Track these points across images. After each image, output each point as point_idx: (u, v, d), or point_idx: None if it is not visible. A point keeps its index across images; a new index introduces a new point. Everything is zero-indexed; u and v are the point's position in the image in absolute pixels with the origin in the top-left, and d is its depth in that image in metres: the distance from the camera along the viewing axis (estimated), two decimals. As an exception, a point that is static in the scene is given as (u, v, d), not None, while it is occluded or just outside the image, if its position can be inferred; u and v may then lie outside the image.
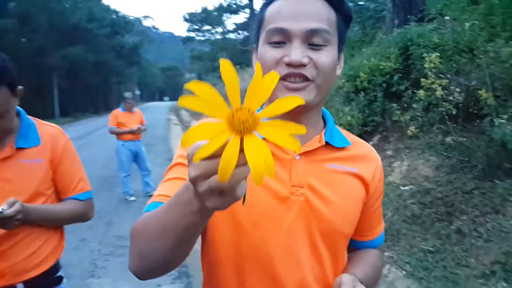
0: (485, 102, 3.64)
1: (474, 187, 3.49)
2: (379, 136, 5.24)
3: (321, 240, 0.91)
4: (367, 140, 4.84)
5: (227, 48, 32.58)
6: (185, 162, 0.89)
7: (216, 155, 0.51)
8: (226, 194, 0.54)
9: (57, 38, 28.16)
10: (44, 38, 26.90)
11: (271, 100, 0.54)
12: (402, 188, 4.12)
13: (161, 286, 3.49)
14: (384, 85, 5.31)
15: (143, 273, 0.77)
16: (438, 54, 4.23)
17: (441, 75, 4.23)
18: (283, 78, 0.86)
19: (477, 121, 3.99)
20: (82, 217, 1.65)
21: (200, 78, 36.41)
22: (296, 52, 0.84)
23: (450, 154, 3.98)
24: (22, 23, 24.74)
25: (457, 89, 4.10)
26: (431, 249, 3.27)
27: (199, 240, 0.74)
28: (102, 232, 4.90)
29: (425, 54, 4.39)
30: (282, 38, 0.86)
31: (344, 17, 0.92)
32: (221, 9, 37.79)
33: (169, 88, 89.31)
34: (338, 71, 0.95)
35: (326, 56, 0.87)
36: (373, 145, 2.11)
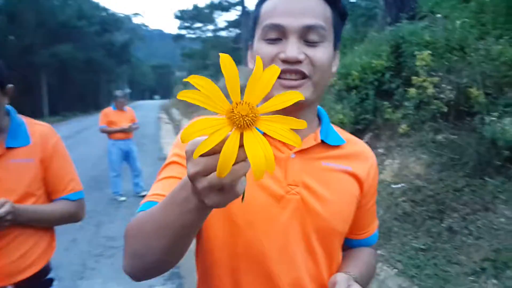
0: (476, 100, 3.66)
1: (465, 185, 3.51)
2: (370, 134, 5.25)
3: (316, 239, 0.90)
4: (358, 138, 4.83)
5: (218, 46, 32.44)
6: (180, 160, 0.88)
7: (215, 151, 0.50)
8: (226, 191, 0.53)
9: (46, 35, 27.90)
10: (32, 35, 26.62)
11: (266, 98, 0.52)
12: (393, 186, 4.13)
13: (152, 287, 3.46)
14: (375, 83, 5.32)
15: (139, 274, 0.75)
16: (430, 52, 4.26)
17: (432, 73, 4.25)
18: (278, 75, 0.84)
19: (468, 118, 4.01)
20: (73, 217, 1.63)
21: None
22: (292, 48, 0.84)
23: (441, 152, 3.99)
24: (10, 21, 24.47)
25: (448, 87, 4.12)
26: (422, 247, 3.27)
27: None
28: (92, 233, 4.85)
29: (416, 52, 4.41)
30: (278, 34, 0.86)
31: (339, 14, 0.92)
32: (212, 7, 37.60)
33: (159, 86, 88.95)
34: (334, 69, 0.95)
35: (323, 53, 0.87)
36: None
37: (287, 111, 0.73)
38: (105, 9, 41.84)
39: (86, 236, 4.71)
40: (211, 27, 40.04)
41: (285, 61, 0.84)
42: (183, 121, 17.66)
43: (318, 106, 1.00)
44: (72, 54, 29.60)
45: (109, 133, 6.22)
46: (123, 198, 6.25)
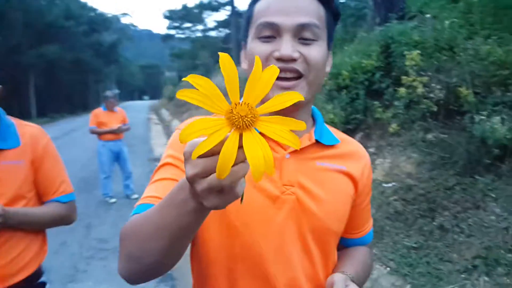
0: (465, 99, 3.70)
1: (455, 183, 3.54)
2: (361, 134, 5.27)
3: (312, 239, 0.90)
4: (349, 137, 4.84)
5: (208, 46, 32.36)
6: (174, 162, 0.87)
7: (214, 152, 0.49)
8: (226, 192, 0.53)
9: (33, 36, 27.56)
10: (19, 36, 26.26)
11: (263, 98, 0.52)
12: (384, 185, 4.16)
13: (144, 288, 3.43)
14: (366, 82, 5.35)
15: (135, 277, 0.74)
16: (419, 52, 4.29)
17: (422, 73, 4.28)
18: None
19: (458, 118, 4.05)
20: (64, 220, 1.61)
21: (180, 76, 36.14)
22: (287, 46, 0.84)
23: (431, 151, 4.03)
24: (-4, 21, 24.11)
25: (438, 87, 4.16)
26: (414, 245, 3.30)
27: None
28: (82, 235, 4.80)
29: (406, 52, 4.44)
30: (272, 32, 0.86)
31: (332, 14, 0.92)
32: (201, 6, 37.49)
33: (148, 86, 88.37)
34: (328, 68, 0.95)
35: (317, 51, 0.87)
36: (358, 143, 2.12)
37: (281, 111, 0.73)
38: (93, 9, 41.48)
39: (76, 239, 4.66)
40: (200, 27, 39.96)
41: (279, 59, 0.84)
42: (173, 121, 17.58)
43: (312, 106, 1.00)
44: (60, 54, 29.27)
45: (99, 134, 6.16)
46: (113, 200, 6.19)
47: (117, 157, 6.32)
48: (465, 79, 3.86)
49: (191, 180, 0.53)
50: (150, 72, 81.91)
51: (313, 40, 0.86)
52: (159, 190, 0.83)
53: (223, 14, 45.26)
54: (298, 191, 0.89)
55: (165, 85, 35.83)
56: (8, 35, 25.74)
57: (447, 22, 4.66)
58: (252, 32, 0.89)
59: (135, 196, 6.32)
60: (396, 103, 4.68)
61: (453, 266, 2.95)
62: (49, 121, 25.66)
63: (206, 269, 0.91)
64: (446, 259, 3.04)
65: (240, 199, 0.56)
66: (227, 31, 34.93)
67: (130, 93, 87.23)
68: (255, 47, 0.87)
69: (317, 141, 0.94)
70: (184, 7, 40.18)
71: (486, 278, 2.72)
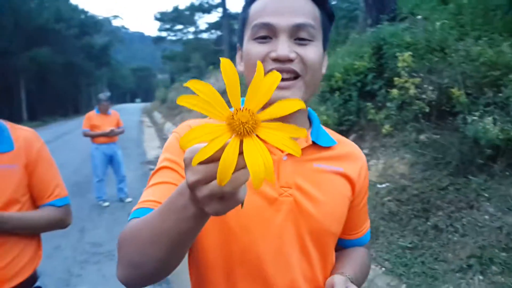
0: (457, 100, 3.73)
1: (449, 183, 3.57)
2: (354, 135, 5.29)
3: (310, 241, 0.90)
4: (343, 139, 4.86)
5: (200, 48, 32.32)
6: (171, 165, 0.87)
7: (215, 158, 0.49)
8: (227, 199, 0.53)
9: (23, 39, 27.32)
10: (9, 39, 26.02)
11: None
12: (378, 186, 4.18)
13: (139, 293, 3.41)
14: (358, 84, 5.37)
15: (134, 282, 0.73)
16: (411, 53, 4.31)
17: (414, 74, 4.31)
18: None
19: (450, 118, 4.08)
20: (59, 224, 1.60)
21: (172, 78, 36.03)
22: (283, 46, 0.84)
23: (424, 152, 4.05)
24: (-15, 24, 23.88)
25: (430, 88, 4.18)
26: (409, 245, 3.31)
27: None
28: (76, 239, 4.76)
29: (398, 53, 4.46)
30: (268, 33, 0.86)
31: (327, 15, 0.93)
32: (193, 8, 37.42)
33: (140, 89, 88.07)
34: (323, 69, 0.95)
35: (314, 52, 0.87)
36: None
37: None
38: (84, 12, 41.32)
39: (70, 243, 4.63)
40: (192, 29, 39.85)
41: (276, 60, 0.84)
42: (166, 124, 17.52)
43: (308, 108, 1.01)
44: (51, 57, 29.11)
45: (92, 137, 6.13)
46: (106, 204, 6.15)
47: (111, 160, 6.28)
48: (457, 80, 3.89)
49: (192, 187, 0.53)
50: (142, 74, 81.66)
51: (309, 40, 0.87)
52: (156, 194, 0.82)
53: (214, 16, 45.37)
54: (296, 193, 0.89)
55: (158, 87, 35.67)
56: (-2, 38, 25.55)
57: (438, 23, 4.70)
58: (247, 33, 0.89)
59: (129, 199, 6.29)
60: (388, 104, 4.71)
61: (448, 266, 2.97)
62: (41, 124, 25.45)
63: (204, 274, 0.90)
64: (441, 259, 3.06)
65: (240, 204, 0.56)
66: (219, 33, 34.91)
67: (122, 95, 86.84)
68: (251, 48, 0.87)
69: (313, 143, 0.94)
70: (176, 9, 40.07)
71: (481, 277, 2.74)
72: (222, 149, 0.48)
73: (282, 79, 0.84)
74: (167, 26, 40.37)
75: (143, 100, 70.73)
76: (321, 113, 5.54)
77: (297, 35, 0.85)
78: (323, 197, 0.91)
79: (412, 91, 4.11)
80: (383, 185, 4.14)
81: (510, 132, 3.18)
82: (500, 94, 3.54)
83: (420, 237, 3.35)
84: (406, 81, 4.19)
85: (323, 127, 1.01)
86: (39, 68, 28.90)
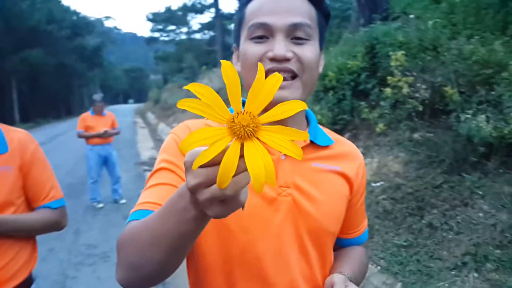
0: (451, 98, 3.75)
1: (443, 181, 3.59)
2: (348, 134, 5.31)
3: (309, 240, 0.90)
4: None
5: (192, 49, 32.25)
6: (169, 166, 0.86)
7: (215, 162, 0.49)
8: (228, 202, 0.52)
9: (15, 40, 27.10)
10: (0, 40, 25.79)
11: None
12: (373, 184, 4.19)
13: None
14: (352, 83, 5.39)
15: (134, 285, 0.73)
16: (404, 52, 4.33)
17: (407, 73, 4.33)
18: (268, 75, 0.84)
19: (443, 117, 4.10)
20: (55, 226, 1.59)
21: (165, 79, 35.93)
22: (280, 46, 0.84)
23: (418, 150, 4.07)
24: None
25: (423, 86, 4.21)
26: (404, 243, 3.33)
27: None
28: (71, 241, 4.73)
29: (391, 53, 4.48)
30: (265, 33, 0.86)
31: (323, 15, 0.93)
32: (185, 9, 37.31)
33: (133, 90, 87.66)
34: (320, 69, 0.95)
35: (311, 51, 0.87)
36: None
37: None
38: (75, 13, 41.09)
39: (64, 245, 4.60)
40: (184, 29, 39.73)
41: (273, 60, 0.84)
42: (159, 125, 17.47)
43: None
44: (43, 59, 28.91)
45: (86, 138, 6.10)
46: (101, 205, 6.12)
47: (105, 161, 6.25)
48: (449, 78, 3.92)
49: (193, 190, 0.52)
50: (135, 75, 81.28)
51: (306, 39, 0.87)
52: (155, 196, 0.81)
53: (207, 16, 45.12)
54: (294, 192, 0.89)
55: (150, 88, 35.56)
56: (-12, 40, 25.34)
57: (430, 22, 4.72)
58: (244, 33, 0.89)
59: (123, 201, 6.26)
60: (382, 103, 4.73)
61: (443, 264, 2.98)
62: (34, 126, 25.28)
63: (204, 275, 0.90)
64: (435, 257, 3.08)
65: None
66: (212, 33, 34.84)
67: (115, 96, 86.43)
68: (248, 48, 0.87)
69: (311, 142, 0.94)
70: (168, 9, 39.96)
71: (476, 275, 2.76)
72: (222, 152, 0.48)
73: None
74: (160, 26, 40.25)
75: (136, 101, 70.40)
76: (315, 113, 5.55)
77: (294, 34, 0.85)
78: (322, 196, 0.91)
79: (405, 90, 4.13)
80: (378, 184, 4.16)
81: (503, 130, 3.20)
82: (493, 92, 3.56)
83: (415, 235, 3.36)
84: (399, 80, 4.21)
85: (321, 126, 1.01)
86: (31, 69, 28.71)
